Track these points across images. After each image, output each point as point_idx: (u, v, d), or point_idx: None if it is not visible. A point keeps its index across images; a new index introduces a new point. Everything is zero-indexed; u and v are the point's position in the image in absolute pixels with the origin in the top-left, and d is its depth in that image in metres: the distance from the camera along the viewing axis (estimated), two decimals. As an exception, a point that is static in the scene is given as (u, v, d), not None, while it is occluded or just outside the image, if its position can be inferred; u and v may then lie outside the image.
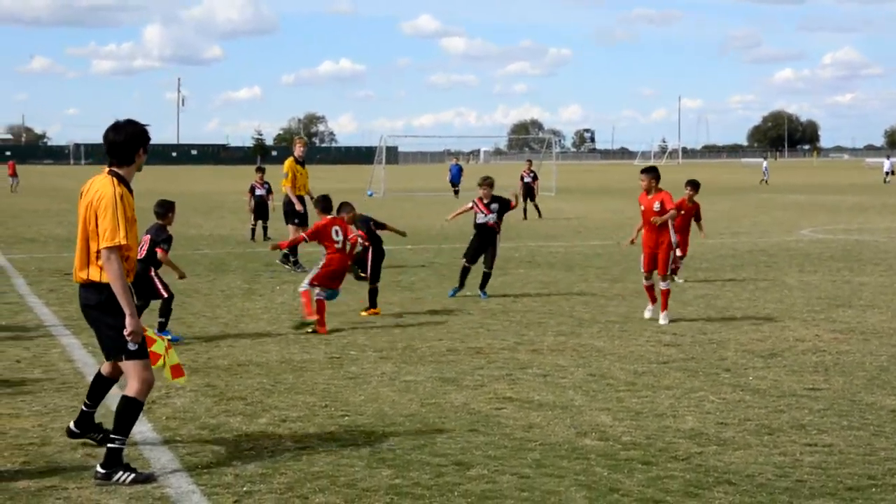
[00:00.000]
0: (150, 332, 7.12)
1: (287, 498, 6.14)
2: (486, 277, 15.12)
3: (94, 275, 6.66)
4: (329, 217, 12.74)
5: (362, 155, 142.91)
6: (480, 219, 15.20)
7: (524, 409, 8.37)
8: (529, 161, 37.78)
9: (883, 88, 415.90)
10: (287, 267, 18.32)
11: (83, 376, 9.36)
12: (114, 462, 6.52)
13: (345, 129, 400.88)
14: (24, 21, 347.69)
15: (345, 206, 13.24)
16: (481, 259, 15.23)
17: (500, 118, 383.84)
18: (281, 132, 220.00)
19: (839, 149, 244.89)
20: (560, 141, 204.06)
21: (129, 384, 6.69)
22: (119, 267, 6.54)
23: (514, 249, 22.80)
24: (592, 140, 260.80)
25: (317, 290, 12.24)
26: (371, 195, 50.39)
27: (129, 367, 6.70)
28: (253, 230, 25.32)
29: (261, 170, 26.16)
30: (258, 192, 25.25)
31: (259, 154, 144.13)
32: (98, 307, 6.69)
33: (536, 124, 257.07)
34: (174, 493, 6.22)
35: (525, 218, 33.16)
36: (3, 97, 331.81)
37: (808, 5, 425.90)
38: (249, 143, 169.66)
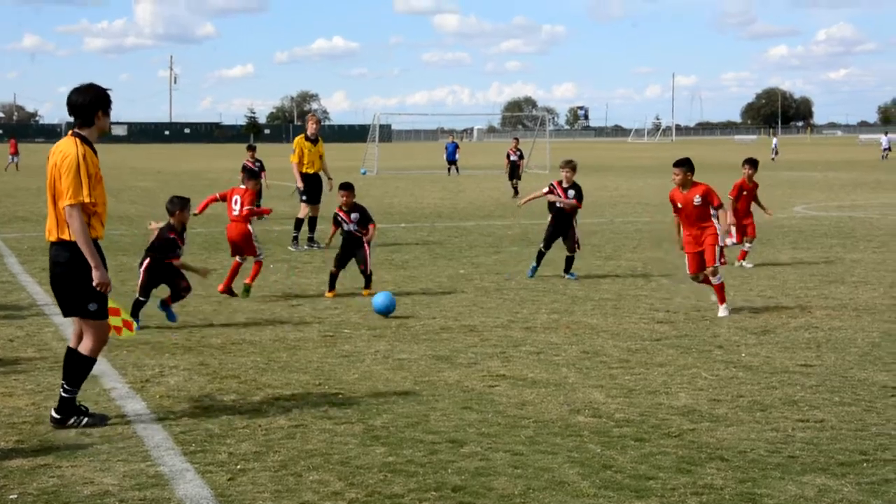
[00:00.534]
0: (113, 303, 7.49)
1: (281, 476, 6.16)
2: (569, 261, 14.56)
3: (64, 233, 7.02)
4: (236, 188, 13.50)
5: (355, 133, 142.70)
6: (558, 203, 14.54)
7: (517, 386, 8.39)
8: (516, 139, 37.68)
9: (877, 64, 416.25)
10: (305, 248, 18.26)
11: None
12: (67, 409, 7.13)
13: (338, 107, 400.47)
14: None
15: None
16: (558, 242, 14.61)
17: (493, 96, 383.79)
18: (274, 110, 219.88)
19: (833, 125, 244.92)
20: (554, 119, 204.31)
21: (85, 341, 7.16)
22: (82, 223, 6.91)
23: (508, 227, 22.81)
24: (586, 118, 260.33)
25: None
26: (364, 173, 50.30)
27: (87, 326, 7.13)
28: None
29: (252, 148, 26.16)
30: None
31: (252, 132, 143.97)
32: (67, 264, 7.04)
33: (530, 102, 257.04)
34: (168, 472, 6.23)
35: (516, 196, 33.12)
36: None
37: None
38: (242, 121, 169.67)
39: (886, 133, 41.25)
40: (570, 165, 14.55)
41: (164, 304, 11.16)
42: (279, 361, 9.31)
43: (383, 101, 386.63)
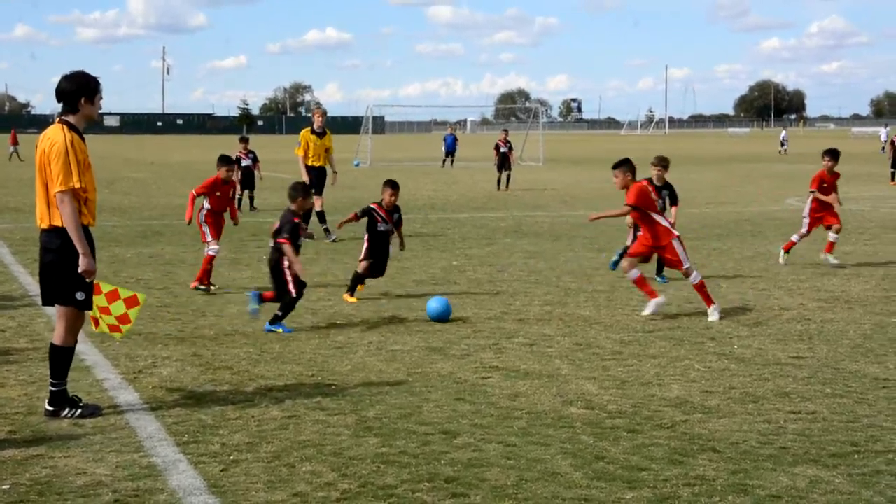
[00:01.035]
0: (104, 286, 7.52)
1: (274, 467, 6.16)
2: (661, 262, 13.03)
3: (56, 219, 7.02)
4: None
5: (348, 124, 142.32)
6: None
7: (510, 378, 8.40)
8: (506, 131, 37.64)
9: (870, 57, 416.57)
10: (333, 237, 18.24)
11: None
12: (59, 401, 7.17)
13: (331, 99, 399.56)
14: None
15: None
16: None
17: (486, 88, 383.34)
18: (267, 101, 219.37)
19: (825, 118, 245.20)
20: (547, 111, 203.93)
21: (57, 329, 7.21)
22: (73, 209, 6.94)
23: (501, 219, 22.82)
24: (579, 110, 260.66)
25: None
26: (357, 165, 50.26)
27: (65, 313, 7.15)
28: (240, 200, 25.24)
29: (244, 140, 26.11)
30: (244, 162, 25.13)
31: (245, 124, 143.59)
32: (58, 251, 7.05)
33: (523, 94, 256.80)
34: (161, 462, 6.23)
35: (503, 188, 33.12)
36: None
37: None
38: (235, 112, 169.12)
39: (886, 125, 41.00)
40: (663, 163, 13.23)
41: (260, 298, 10.48)
42: (272, 352, 9.31)
43: (376, 92, 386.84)
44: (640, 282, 11.30)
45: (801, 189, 32.62)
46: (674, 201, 13.60)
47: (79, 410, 7.17)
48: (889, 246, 17.72)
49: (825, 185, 15.33)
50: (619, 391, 7.96)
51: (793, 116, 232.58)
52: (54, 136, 7.05)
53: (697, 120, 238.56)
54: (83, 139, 7.15)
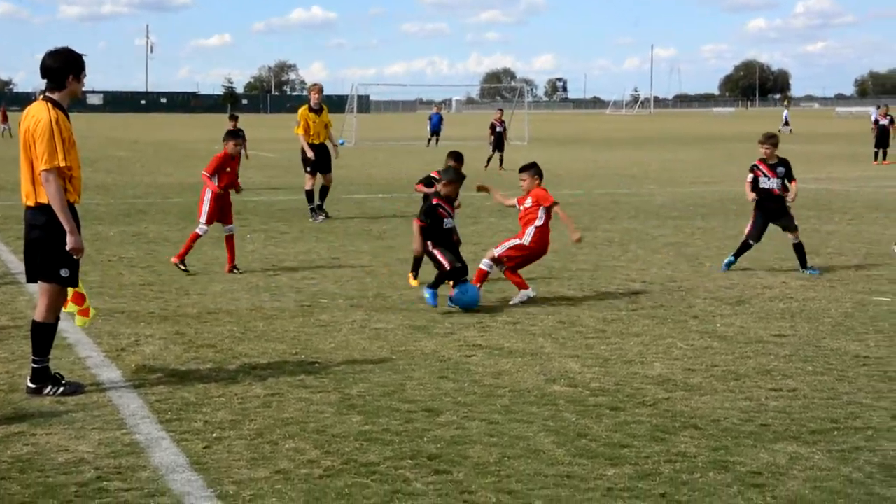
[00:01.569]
0: (81, 288, 7.50)
1: (257, 444, 6.17)
2: (798, 249, 12.76)
3: (42, 197, 6.99)
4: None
5: (333, 104, 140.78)
6: (764, 183, 12.68)
7: (494, 356, 8.42)
8: (501, 110, 37.64)
9: (855, 37, 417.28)
10: (321, 217, 18.22)
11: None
12: (41, 378, 7.16)
13: (316, 78, 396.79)
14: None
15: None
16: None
17: (472, 67, 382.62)
18: (251, 80, 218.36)
19: (810, 98, 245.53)
20: (532, 90, 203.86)
21: (39, 306, 7.20)
22: (58, 187, 6.91)
23: (485, 198, 22.77)
24: (565, 89, 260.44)
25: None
26: (343, 144, 50.08)
27: (47, 290, 7.13)
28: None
29: (234, 117, 26.20)
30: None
31: (229, 102, 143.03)
32: (44, 227, 7.03)
33: (509, 73, 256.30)
34: (143, 440, 6.23)
35: (499, 168, 33.09)
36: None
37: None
38: (220, 91, 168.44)
39: (878, 107, 40.89)
40: (772, 141, 12.88)
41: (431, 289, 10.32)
42: (256, 331, 9.30)
43: (361, 71, 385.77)
44: (482, 276, 10.86)
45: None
46: (790, 177, 12.96)
47: (61, 388, 7.16)
48: (871, 226, 17.81)
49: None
50: (602, 369, 7.99)
51: (777, 96, 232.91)
52: (38, 113, 7.00)
53: (682, 100, 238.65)
54: (68, 117, 7.10)
